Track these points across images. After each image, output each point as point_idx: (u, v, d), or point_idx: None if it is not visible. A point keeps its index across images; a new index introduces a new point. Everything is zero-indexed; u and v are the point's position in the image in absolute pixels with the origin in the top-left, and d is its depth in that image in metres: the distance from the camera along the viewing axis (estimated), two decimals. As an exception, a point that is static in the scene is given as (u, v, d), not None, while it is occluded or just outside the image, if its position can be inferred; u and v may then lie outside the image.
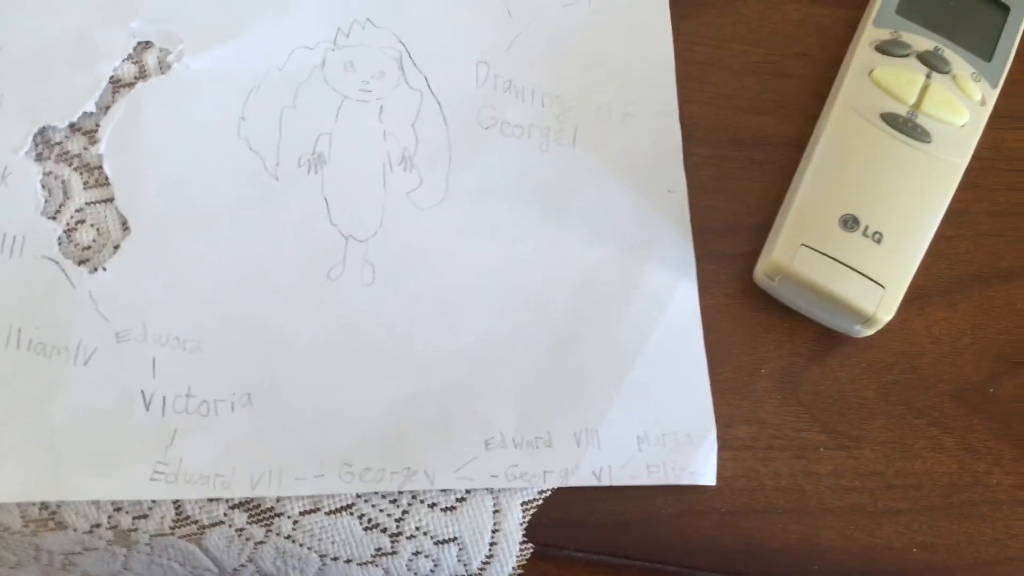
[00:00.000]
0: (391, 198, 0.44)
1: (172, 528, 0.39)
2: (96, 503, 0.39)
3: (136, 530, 0.39)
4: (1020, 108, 0.47)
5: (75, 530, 0.39)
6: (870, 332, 0.42)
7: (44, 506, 0.38)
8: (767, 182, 0.45)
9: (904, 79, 0.44)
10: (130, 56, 0.44)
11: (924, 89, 0.44)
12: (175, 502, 0.39)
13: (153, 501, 0.39)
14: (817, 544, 0.40)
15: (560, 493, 0.40)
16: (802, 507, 0.41)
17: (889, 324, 0.42)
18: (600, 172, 0.45)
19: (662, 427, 0.41)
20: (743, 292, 0.44)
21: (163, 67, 0.44)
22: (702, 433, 0.41)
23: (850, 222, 0.42)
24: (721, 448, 0.41)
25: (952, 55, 0.44)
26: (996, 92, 0.44)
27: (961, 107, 0.44)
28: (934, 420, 0.42)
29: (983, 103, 0.44)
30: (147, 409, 0.39)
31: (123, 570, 0.40)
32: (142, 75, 0.44)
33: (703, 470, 0.40)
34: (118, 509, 0.39)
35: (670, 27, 0.47)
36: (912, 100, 0.44)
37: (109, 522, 0.39)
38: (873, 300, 0.41)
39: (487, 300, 0.42)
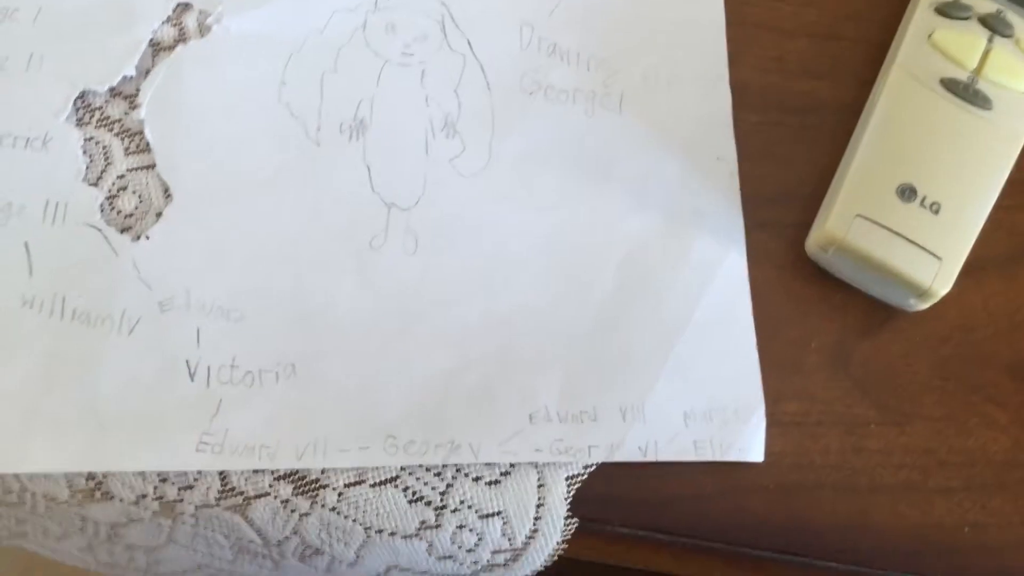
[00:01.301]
0: (434, 165, 0.43)
1: (217, 499, 0.39)
2: (142, 474, 0.38)
3: (181, 501, 0.39)
4: (1086, 73, 0.45)
5: (121, 500, 0.39)
6: (925, 306, 0.41)
7: (91, 476, 0.38)
8: (820, 149, 0.44)
9: (965, 43, 0.42)
10: (169, 18, 0.43)
11: (986, 53, 0.42)
12: (220, 473, 0.39)
13: (199, 472, 0.39)
14: (867, 522, 0.39)
15: (605, 468, 0.40)
16: (852, 484, 0.40)
17: (944, 297, 0.40)
18: (647, 138, 0.44)
19: (709, 402, 0.40)
20: (794, 264, 0.43)
21: (203, 30, 0.43)
22: (750, 409, 0.40)
23: (907, 192, 0.40)
24: (769, 424, 0.40)
25: (1015, 18, 0.43)
26: (1062, 56, 0.43)
27: (1024, 72, 0.42)
28: (989, 396, 0.41)
29: (1048, 68, 0.43)
30: (192, 379, 0.39)
31: (168, 542, 0.40)
32: (182, 38, 0.43)
33: (751, 446, 0.40)
34: (164, 480, 0.39)
35: (720, -13, 0.46)
36: (973, 65, 0.42)
37: (155, 493, 0.39)
38: (930, 273, 0.40)
39: (531, 269, 0.42)
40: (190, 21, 0.44)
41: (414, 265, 0.41)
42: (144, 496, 0.39)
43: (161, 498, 0.39)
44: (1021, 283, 0.43)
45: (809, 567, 0.39)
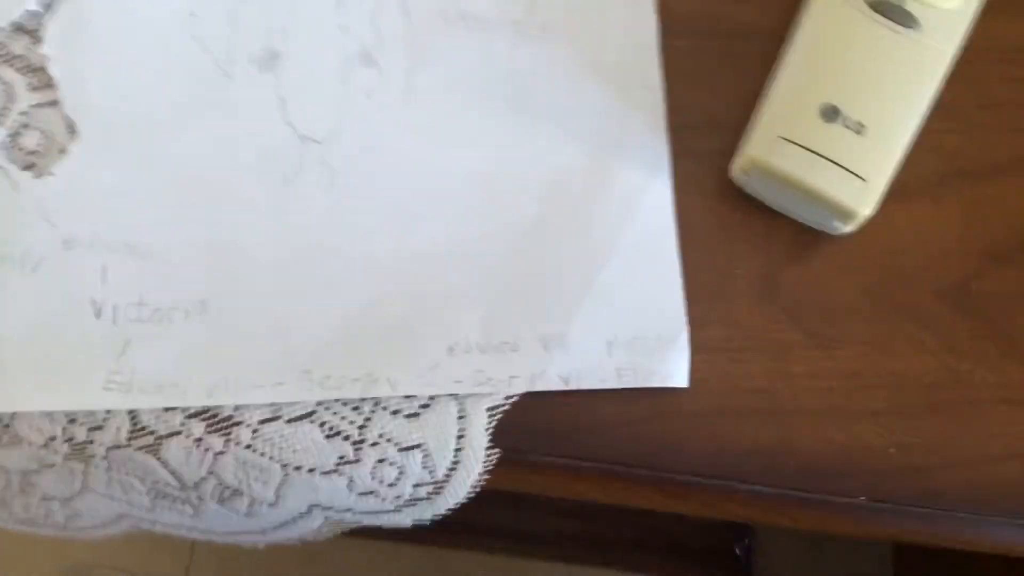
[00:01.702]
0: (350, 96, 0.42)
1: (128, 439, 0.38)
2: (50, 415, 0.38)
3: (92, 443, 0.38)
4: (1015, -6, 0.44)
5: (30, 444, 0.38)
6: (851, 228, 0.41)
7: (-3, 420, 0.38)
8: (748, 75, 0.43)
9: (892, -38, 0.42)
10: (73, -50, 0.42)
11: (913, -28, 0.42)
12: (130, 412, 0.38)
13: (108, 412, 0.38)
14: (792, 445, 0.39)
15: (528, 397, 0.39)
16: (777, 408, 0.39)
17: (872, 221, 0.40)
18: (571, 67, 0.43)
19: (633, 330, 0.39)
20: (720, 191, 0.42)
21: (108, -38, 0.42)
22: (673, 335, 0.40)
23: (830, 112, 0.40)
24: (694, 351, 0.40)
25: (942, -64, 0.42)
26: (989, -25, 0.42)
27: (951, -10, 0.42)
28: (917, 319, 0.41)
29: (975, -14, 0.42)
30: (98, 318, 0.38)
31: (83, 489, 0.39)
32: (86, -30, 0.42)
33: (674, 372, 0.39)
34: (72, 421, 0.38)
35: (645, -88, 0.45)
36: (900, -15, 0.41)
37: (64, 434, 0.38)
38: (853, 194, 0.39)
39: (451, 202, 0.41)
40: (94, -48, 0.42)
41: (329, 199, 0.40)
42: (53, 438, 0.38)
43: (71, 440, 0.38)
44: (950, 207, 0.43)
45: (734, 491, 0.39)
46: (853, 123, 0.40)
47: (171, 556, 1.03)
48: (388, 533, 0.41)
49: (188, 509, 0.40)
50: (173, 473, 0.38)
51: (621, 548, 0.90)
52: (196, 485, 0.39)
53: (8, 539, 1.04)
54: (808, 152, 0.39)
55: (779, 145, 0.39)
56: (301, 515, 0.40)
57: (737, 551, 0.93)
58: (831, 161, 0.39)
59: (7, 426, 0.37)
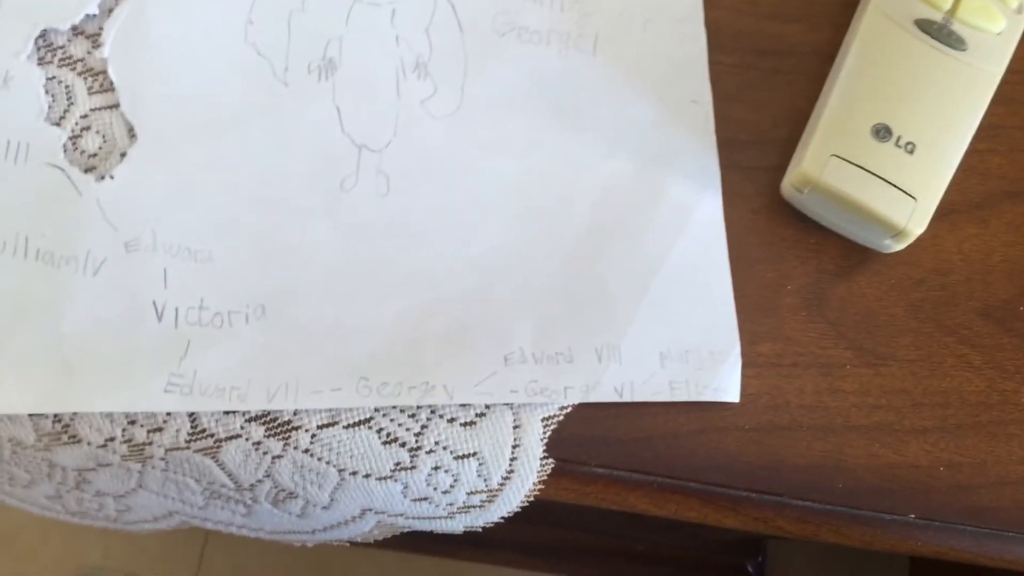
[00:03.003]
0: (405, 106, 0.42)
1: (188, 442, 0.38)
2: (110, 416, 0.38)
3: (151, 444, 0.38)
4: (1059, 16, 0.45)
5: (89, 444, 0.38)
6: (900, 247, 0.41)
7: (58, 419, 0.38)
8: (794, 92, 0.44)
9: (939, -16, 0.42)
10: (133, -45, 0.42)
11: (960, -5, 0.42)
12: (191, 415, 0.38)
13: (168, 414, 0.38)
14: (841, 462, 0.39)
15: (581, 409, 0.39)
16: (827, 425, 0.40)
17: (918, 240, 0.40)
18: (621, 80, 0.43)
19: (685, 343, 0.40)
20: (769, 206, 0.42)
21: (167, -33, 0.42)
22: (726, 350, 0.40)
23: (882, 132, 0.40)
24: (745, 365, 0.40)
25: (991, -41, 0.42)
26: (1036, -2, 0.43)
27: (998, 14, 0.42)
28: (963, 338, 0.41)
29: (1020, 10, 0.42)
30: (159, 320, 0.38)
31: (137, 487, 0.40)
32: (146, -24, 0.42)
33: (726, 387, 0.40)
34: (132, 422, 0.38)
35: (695, -71, 0.45)
36: (947, 6, 0.42)
37: (123, 435, 0.38)
38: (905, 212, 0.39)
39: (504, 211, 0.41)
40: (154, -41, 0.42)
41: (386, 206, 0.41)
42: (112, 439, 0.38)
43: (130, 441, 0.38)
44: (994, 227, 0.43)
45: (784, 506, 0.39)
46: (904, 143, 0.40)
47: (181, 559, 1.03)
48: (399, 544, 0.42)
49: (241, 508, 0.40)
50: (230, 475, 0.39)
51: (634, 563, 0.90)
52: (252, 487, 0.39)
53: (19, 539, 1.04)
54: (861, 170, 0.40)
55: (832, 163, 0.40)
56: (354, 518, 0.40)
57: (750, 568, 0.93)
58: (883, 180, 0.40)
59: (67, 426, 0.38)
